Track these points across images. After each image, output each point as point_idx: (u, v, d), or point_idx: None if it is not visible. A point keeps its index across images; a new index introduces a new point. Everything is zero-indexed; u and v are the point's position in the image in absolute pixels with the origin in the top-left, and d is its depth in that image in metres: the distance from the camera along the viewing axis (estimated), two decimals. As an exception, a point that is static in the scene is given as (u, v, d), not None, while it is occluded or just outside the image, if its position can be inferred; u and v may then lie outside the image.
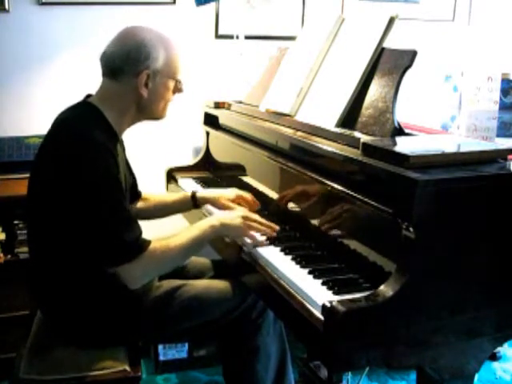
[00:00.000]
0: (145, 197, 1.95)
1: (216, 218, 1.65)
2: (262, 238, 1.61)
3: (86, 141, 1.46)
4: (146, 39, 1.55)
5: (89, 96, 1.63)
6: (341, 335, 1.15)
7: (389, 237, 1.28)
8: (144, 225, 1.58)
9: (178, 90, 1.67)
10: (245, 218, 1.62)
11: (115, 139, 1.59)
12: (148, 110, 1.62)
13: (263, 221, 1.64)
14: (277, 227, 1.64)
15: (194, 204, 1.93)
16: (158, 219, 1.96)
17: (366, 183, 1.40)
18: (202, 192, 1.96)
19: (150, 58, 1.55)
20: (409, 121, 1.92)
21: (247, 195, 1.88)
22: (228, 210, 1.81)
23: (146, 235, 1.54)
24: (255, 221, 1.63)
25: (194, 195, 1.93)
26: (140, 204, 1.94)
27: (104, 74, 1.60)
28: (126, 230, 1.48)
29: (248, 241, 1.61)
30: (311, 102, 1.80)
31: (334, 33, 1.83)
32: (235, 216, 1.63)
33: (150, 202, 1.95)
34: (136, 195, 1.91)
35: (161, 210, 1.96)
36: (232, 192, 1.89)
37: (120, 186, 1.51)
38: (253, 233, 1.61)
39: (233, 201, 1.86)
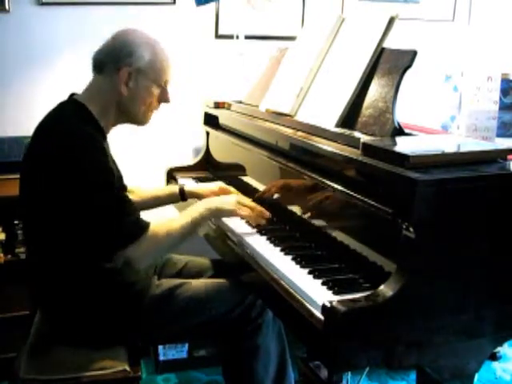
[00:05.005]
0: (131, 189, 1.95)
1: (211, 201, 1.73)
2: (253, 230, 1.70)
3: (71, 132, 1.49)
4: (133, 38, 1.59)
5: (73, 95, 1.65)
6: (341, 335, 1.15)
7: (389, 237, 1.28)
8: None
9: (163, 98, 1.68)
10: (238, 202, 1.71)
11: (102, 132, 1.60)
12: (128, 110, 1.64)
13: (254, 205, 1.72)
14: (267, 213, 1.72)
15: (181, 198, 2.02)
16: (144, 211, 1.96)
17: (366, 183, 1.39)
18: (189, 186, 2.06)
19: (134, 57, 1.57)
20: (409, 121, 1.92)
21: (231, 189, 1.97)
22: None
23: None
24: (248, 206, 1.71)
25: (181, 189, 2.01)
26: None
27: (92, 68, 1.63)
28: (125, 213, 1.50)
29: (236, 230, 1.70)
30: (311, 102, 1.80)
31: (334, 33, 1.83)
32: (229, 200, 1.72)
33: (136, 194, 1.96)
34: (122, 188, 1.91)
35: (148, 203, 1.99)
36: (216, 185, 2.00)
37: (111, 172, 1.52)
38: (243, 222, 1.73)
39: (216, 193, 1.94)
